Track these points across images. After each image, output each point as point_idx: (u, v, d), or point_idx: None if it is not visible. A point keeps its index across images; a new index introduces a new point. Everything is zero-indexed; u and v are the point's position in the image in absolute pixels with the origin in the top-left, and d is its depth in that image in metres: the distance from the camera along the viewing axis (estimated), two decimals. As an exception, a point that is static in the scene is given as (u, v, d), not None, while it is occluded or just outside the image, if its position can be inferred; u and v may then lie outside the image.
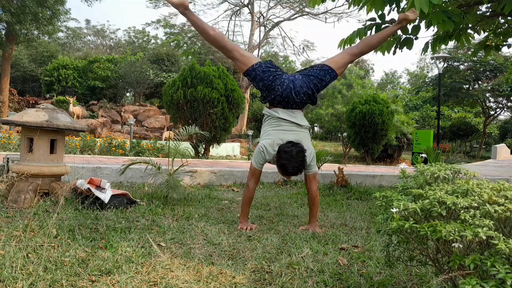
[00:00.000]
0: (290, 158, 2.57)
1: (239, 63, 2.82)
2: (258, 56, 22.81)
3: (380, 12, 3.83)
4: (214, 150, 11.46)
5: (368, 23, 4.17)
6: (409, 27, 4.15)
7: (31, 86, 27.25)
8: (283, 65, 31.11)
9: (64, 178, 3.64)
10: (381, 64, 76.72)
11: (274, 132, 2.74)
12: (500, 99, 23.98)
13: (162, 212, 3.02)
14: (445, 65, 19.66)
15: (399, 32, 4.20)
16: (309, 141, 2.76)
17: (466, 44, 4.44)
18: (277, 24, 24.31)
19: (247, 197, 2.78)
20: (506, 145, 22.29)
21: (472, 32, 4.50)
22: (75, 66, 24.08)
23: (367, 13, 4.02)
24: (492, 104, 24.93)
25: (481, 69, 21.74)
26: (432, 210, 1.31)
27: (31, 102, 19.78)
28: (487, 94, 23.16)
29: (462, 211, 1.27)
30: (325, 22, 23.76)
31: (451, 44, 18.91)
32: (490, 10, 4.47)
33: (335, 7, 23.39)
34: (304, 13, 23.44)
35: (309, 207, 2.87)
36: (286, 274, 1.83)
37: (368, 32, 4.19)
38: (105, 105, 21.16)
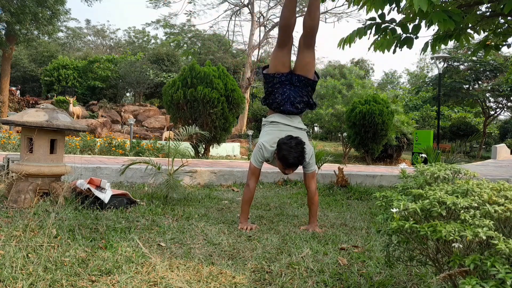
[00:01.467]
0: (289, 149, 2.60)
1: (277, 59, 2.85)
2: (258, 56, 22.83)
3: (380, 12, 3.82)
4: (214, 150, 11.46)
5: (368, 22, 4.17)
6: (410, 26, 4.15)
7: (31, 86, 27.25)
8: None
9: (64, 178, 3.64)
10: (381, 64, 76.77)
11: (272, 132, 2.83)
12: (500, 99, 23.98)
13: (162, 212, 3.02)
14: (445, 65, 19.66)
15: (399, 31, 4.21)
16: (307, 141, 2.80)
17: (466, 44, 4.44)
18: (277, 24, 24.30)
19: (247, 196, 2.78)
20: (506, 145, 22.28)
21: (472, 32, 4.49)
22: (75, 66, 24.09)
23: (367, 13, 4.02)
24: (492, 104, 24.93)
25: (481, 69, 21.73)
26: (432, 210, 1.31)
27: (31, 102, 19.78)
28: (487, 94, 23.15)
29: (462, 211, 1.27)
30: (325, 22, 23.76)
31: (451, 44, 18.92)
32: (490, 10, 4.47)
33: (335, 7, 23.41)
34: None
35: (308, 206, 2.88)
36: (286, 274, 1.83)
37: (368, 32, 4.19)
38: (105, 105, 21.17)
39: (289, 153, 2.59)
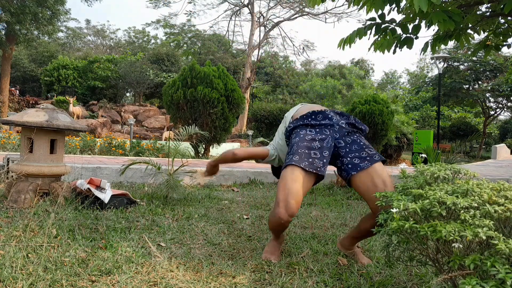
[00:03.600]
0: None
1: None
2: (258, 56, 22.84)
3: (380, 12, 3.82)
4: (214, 150, 11.44)
5: (368, 23, 4.17)
6: (410, 26, 4.15)
7: (31, 86, 27.25)
8: (283, 65, 31.09)
9: (64, 178, 3.64)
10: (381, 64, 76.86)
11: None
12: (500, 99, 23.99)
13: (162, 212, 3.01)
14: (445, 65, 19.67)
15: (399, 31, 4.20)
16: None
17: (466, 44, 4.43)
18: (277, 24, 24.33)
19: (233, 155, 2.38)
20: (506, 145, 22.27)
21: (472, 32, 4.49)
22: (75, 66, 24.08)
23: (367, 13, 4.02)
24: (492, 104, 24.95)
25: (481, 69, 21.74)
26: (432, 210, 1.31)
27: (31, 102, 19.77)
28: (487, 94, 23.16)
29: (462, 211, 1.27)
30: (325, 22, 23.82)
31: (451, 44, 18.93)
32: (490, 10, 4.47)
33: (335, 7, 23.46)
34: (304, 13, 23.46)
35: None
36: (286, 274, 1.83)
37: (368, 32, 4.19)
38: (105, 105, 21.16)
39: None
